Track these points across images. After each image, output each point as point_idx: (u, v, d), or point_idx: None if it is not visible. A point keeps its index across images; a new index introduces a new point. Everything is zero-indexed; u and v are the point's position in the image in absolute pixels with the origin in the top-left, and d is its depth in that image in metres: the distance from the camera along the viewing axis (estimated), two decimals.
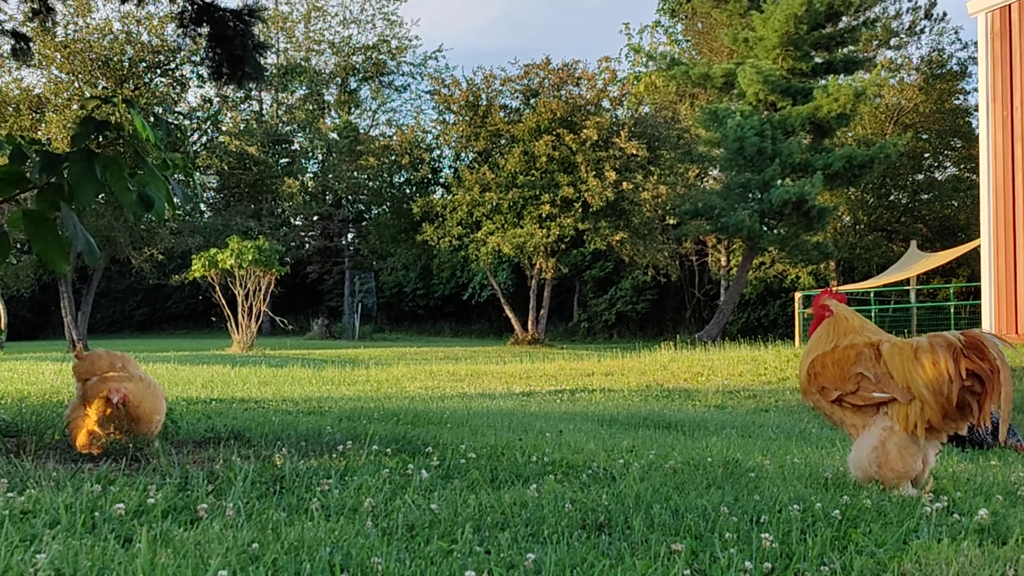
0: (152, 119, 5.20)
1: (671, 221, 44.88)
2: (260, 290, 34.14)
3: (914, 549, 3.61)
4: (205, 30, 8.77)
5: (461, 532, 3.70)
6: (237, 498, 4.25)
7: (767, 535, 3.65)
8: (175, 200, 5.43)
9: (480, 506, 4.23)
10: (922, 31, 54.74)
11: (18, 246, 42.15)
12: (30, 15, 9.71)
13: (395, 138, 49.29)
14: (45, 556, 3.16)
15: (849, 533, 3.84)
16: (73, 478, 4.64)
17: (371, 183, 53.20)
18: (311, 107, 61.69)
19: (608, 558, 3.37)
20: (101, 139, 5.13)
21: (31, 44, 10.22)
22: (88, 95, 37.12)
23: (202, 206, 53.44)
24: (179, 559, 3.21)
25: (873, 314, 35.17)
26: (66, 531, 3.59)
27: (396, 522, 3.86)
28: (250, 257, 33.13)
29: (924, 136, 51.94)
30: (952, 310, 35.36)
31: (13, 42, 9.57)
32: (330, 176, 58.67)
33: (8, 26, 9.79)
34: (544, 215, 40.83)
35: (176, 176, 5.63)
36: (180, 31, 8.79)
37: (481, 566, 3.23)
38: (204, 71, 36.61)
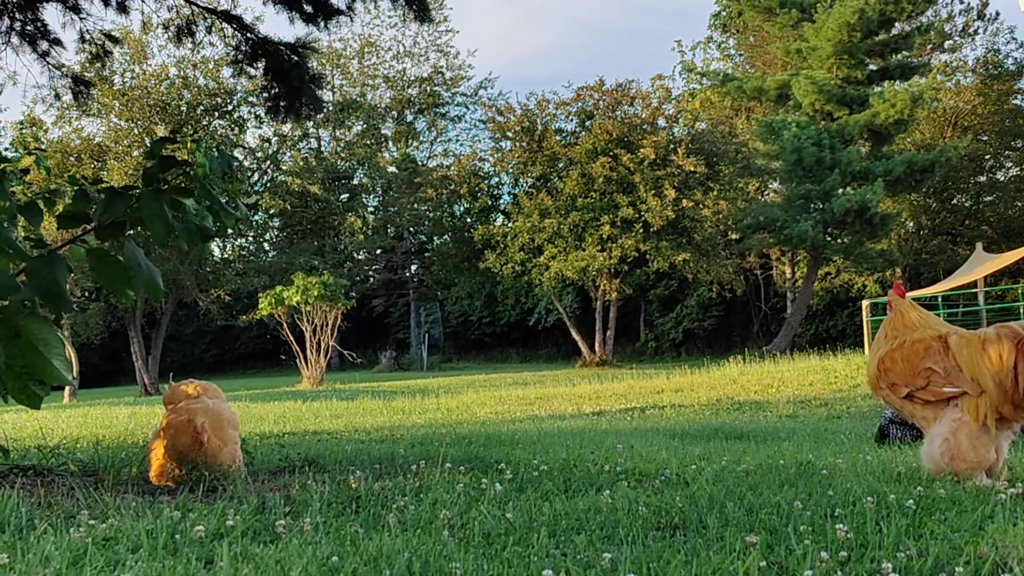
0: (215, 153, 5.27)
1: (733, 236, 44.77)
2: (327, 325, 34.36)
3: (990, 533, 3.60)
4: (261, 65, 8.88)
5: (537, 537, 3.73)
6: (315, 516, 4.30)
7: (842, 526, 3.66)
8: (228, 221, 5.50)
9: (554, 513, 4.26)
10: (976, 32, 54.17)
11: (86, 295, 42.65)
12: (90, 59, 9.89)
13: (453, 168, 49.46)
14: None
15: (924, 521, 3.84)
16: (152, 507, 4.71)
17: (432, 214, 53.50)
18: (369, 142, 61.93)
19: (683, 554, 3.38)
20: (168, 177, 5.21)
21: (91, 90, 10.39)
22: (149, 140, 37.60)
23: (266, 245, 53.80)
24: (260, 574, 3.26)
25: (942, 318, 34.72)
26: (148, 554, 3.65)
27: (472, 531, 3.90)
28: (316, 293, 33.33)
29: (984, 138, 51.40)
30: (1022, 310, 34.89)
31: (74, 87, 9.74)
32: (391, 209, 58.83)
33: (69, 73, 9.92)
34: (605, 237, 40.77)
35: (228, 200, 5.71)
36: (236, 67, 8.90)
37: (558, 566, 3.26)
38: (261, 109, 37.17)
